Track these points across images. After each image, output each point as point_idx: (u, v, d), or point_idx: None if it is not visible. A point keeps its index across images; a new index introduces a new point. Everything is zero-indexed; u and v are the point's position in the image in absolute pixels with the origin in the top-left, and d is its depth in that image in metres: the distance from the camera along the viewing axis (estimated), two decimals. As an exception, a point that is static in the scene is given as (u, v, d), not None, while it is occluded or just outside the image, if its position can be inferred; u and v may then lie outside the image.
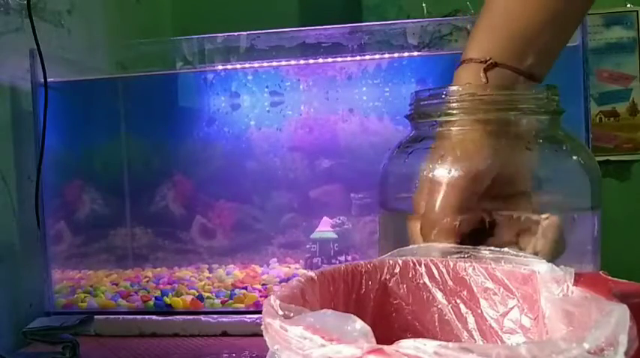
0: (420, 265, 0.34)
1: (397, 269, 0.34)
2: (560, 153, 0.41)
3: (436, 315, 0.34)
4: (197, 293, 0.79)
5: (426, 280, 0.34)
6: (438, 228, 0.38)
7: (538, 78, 0.42)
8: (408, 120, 0.44)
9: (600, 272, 0.29)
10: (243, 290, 0.79)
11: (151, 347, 0.73)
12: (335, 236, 0.81)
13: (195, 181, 0.85)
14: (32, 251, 0.82)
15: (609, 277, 0.28)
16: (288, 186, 0.83)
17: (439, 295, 0.34)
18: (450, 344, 0.19)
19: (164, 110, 0.86)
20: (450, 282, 0.33)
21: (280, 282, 0.79)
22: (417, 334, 0.33)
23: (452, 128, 0.40)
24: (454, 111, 0.39)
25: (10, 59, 0.82)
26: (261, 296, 0.78)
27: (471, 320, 0.33)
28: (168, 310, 0.79)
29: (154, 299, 0.80)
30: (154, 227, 0.85)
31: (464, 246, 0.35)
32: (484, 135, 0.39)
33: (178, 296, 0.79)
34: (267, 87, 0.82)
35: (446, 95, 0.40)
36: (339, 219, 0.81)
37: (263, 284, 0.80)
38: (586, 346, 0.19)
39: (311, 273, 0.31)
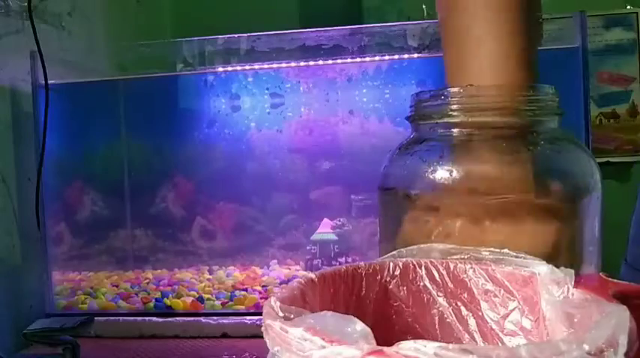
0: (421, 267, 0.34)
1: (397, 272, 0.34)
2: (561, 155, 0.41)
3: (437, 317, 0.33)
4: (197, 295, 0.79)
5: (427, 282, 0.34)
6: (441, 227, 0.38)
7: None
8: (408, 121, 0.44)
9: (601, 274, 0.29)
10: (244, 292, 0.79)
11: (151, 349, 0.73)
12: (335, 237, 0.81)
13: (195, 183, 0.85)
14: (32, 252, 0.82)
15: (609, 278, 0.28)
16: (289, 187, 0.83)
17: (440, 297, 0.34)
18: (451, 346, 0.19)
19: (164, 112, 0.86)
20: (450, 284, 0.33)
21: (280, 284, 0.79)
22: (417, 336, 0.33)
23: (453, 129, 0.40)
24: (455, 113, 0.39)
25: (10, 61, 0.82)
26: (261, 298, 0.78)
27: (471, 322, 0.33)
28: (169, 312, 0.79)
29: (154, 300, 0.80)
30: (154, 228, 0.85)
31: (464, 248, 0.35)
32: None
33: (178, 298, 0.79)
34: (267, 89, 0.82)
35: (447, 97, 0.40)
36: (340, 221, 0.81)
37: (263, 286, 0.80)
38: (586, 347, 0.19)
39: (311, 275, 0.31)
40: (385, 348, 0.19)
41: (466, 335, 0.33)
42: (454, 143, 0.40)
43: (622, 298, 0.25)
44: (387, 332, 0.33)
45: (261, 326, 0.24)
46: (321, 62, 0.81)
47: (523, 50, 0.41)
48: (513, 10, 0.41)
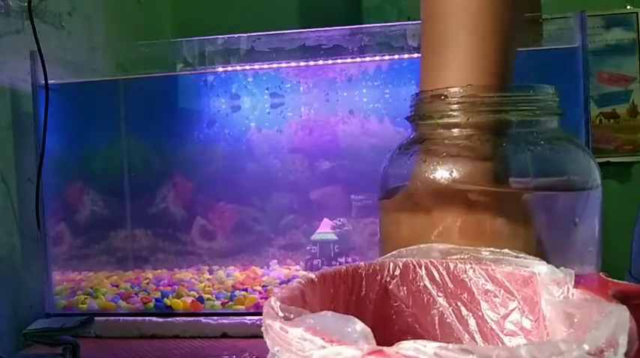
0: (421, 267, 0.34)
1: (397, 272, 0.34)
2: (560, 155, 0.41)
3: (437, 318, 0.33)
4: (197, 295, 0.79)
5: (427, 282, 0.34)
6: (441, 227, 0.38)
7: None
8: (408, 121, 0.44)
9: (601, 274, 0.29)
10: (244, 292, 0.79)
11: (151, 349, 0.73)
12: (335, 237, 0.81)
13: (195, 183, 0.85)
14: (32, 252, 0.83)
15: (609, 278, 0.28)
16: (289, 187, 0.83)
17: (440, 297, 0.34)
18: (451, 346, 0.19)
19: (164, 112, 0.86)
20: (450, 285, 0.33)
21: (280, 284, 0.79)
22: (417, 336, 0.33)
23: (453, 130, 0.40)
24: (455, 113, 0.39)
25: (10, 61, 0.82)
26: (261, 298, 0.78)
27: (471, 322, 0.33)
28: (169, 312, 0.79)
29: (154, 300, 0.80)
30: (154, 228, 0.85)
31: (464, 248, 0.35)
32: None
33: (178, 298, 0.79)
34: (267, 89, 0.82)
35: (447, 96, 0.40)
36: (340, 221, 0.81)
37: (263, 286, 0.80)
38: (586, 347, 0.19)
39: (311, 275, 0.31)
40: (385, 348, 0.19)
41: (466, 335, 0.33)
42: (454, 143, 0.40)
43: (622, 298, 0.25)
44: (387, 332, 0.33)
45: (261, 326, 0.24)
46: (321, 62, 0.81)
47: (498, 51, 0.41)
48: (490, 9, 0.41)
